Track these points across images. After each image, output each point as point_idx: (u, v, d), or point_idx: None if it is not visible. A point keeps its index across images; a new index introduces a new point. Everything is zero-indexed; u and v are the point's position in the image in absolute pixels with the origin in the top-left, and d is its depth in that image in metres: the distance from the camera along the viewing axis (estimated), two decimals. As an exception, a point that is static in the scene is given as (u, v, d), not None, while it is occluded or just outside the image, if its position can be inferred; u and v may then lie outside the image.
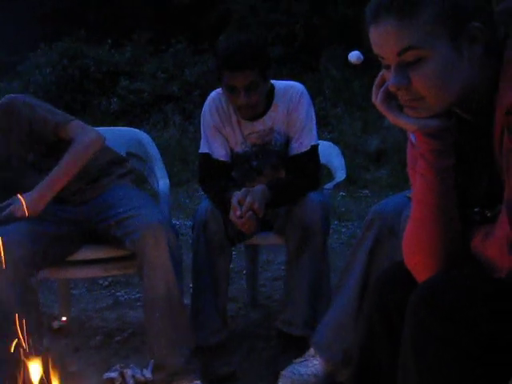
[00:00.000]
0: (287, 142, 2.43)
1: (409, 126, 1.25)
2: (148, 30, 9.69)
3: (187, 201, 5.58)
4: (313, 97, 2.52)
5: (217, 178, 2.41)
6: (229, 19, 9.39)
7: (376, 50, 1.22)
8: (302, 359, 2.14)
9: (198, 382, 2.11)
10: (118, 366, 2.25)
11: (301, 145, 2.40)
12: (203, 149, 2.45)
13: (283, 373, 2.13)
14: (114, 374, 2.21)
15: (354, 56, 1.46)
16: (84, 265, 2.34)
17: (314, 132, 2.43)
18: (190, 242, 2.46)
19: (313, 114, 2.44)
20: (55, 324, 2.78)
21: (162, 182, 2.63)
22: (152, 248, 2.07)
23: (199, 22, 9.68)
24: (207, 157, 2.44)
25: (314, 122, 2.44)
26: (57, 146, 2.29)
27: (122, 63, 9.12)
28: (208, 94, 2.50)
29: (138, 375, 2.21)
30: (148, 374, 2.21)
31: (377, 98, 1.28)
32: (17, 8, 10.80)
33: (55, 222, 2.24)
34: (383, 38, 1.19)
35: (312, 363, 2.11)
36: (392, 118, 1.26)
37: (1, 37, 10.44)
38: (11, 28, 10.99)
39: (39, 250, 2.12)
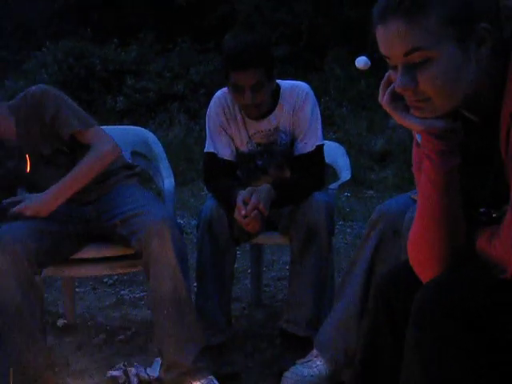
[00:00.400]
0: (292, 141, 2.43)
1: (415, 126, 1.25)
2: (152, 30, 9.70)
3: (192, 200, 5.58)
4: (318, 96, 2.52)
5: (222, 177, 2.41)
6: (233, 19, 9.40)
7: (383, 50, 1.22)
8: (305, 360, 2.14)
9: (211, 376, 2.10)
10: (121, 365, 2.25)
11: (306, 145, 2.40)
12: (208, 148, 2.46)
13: (286, 374, 2.12)
14: (117, 373, 2.21)
15: (362, 62, 1.46)
16: (89, 263, 2.34)
17: (319, 132, 2.43)
18: (195, 241, 2.46)
19: (318, 113, 2.44)
20: (60, 322, 2.78)
21: (167, 181, 2.63)
22: (157, 246, 2.06)
23: (203, 22, 9.69)
24: (212, 156, 2.44)
25: (320, 121, 2.43)
26: (73, 144, 2.31)
27: (128, 62, 9.13)
28: (213, 93, 2.51)
29: (142, 374, 2.21)
30: (152, 372, 2.21)
31: (383, 99, 1.28)
32: (22, 7, 10.83)
33: (61, 220, 2.25)
34: (390, 38, 1.19)
35: (315, 364, 2.11)
36: (398, 118, 1.26)
37: (6, 35, 10.47)
38: (17, 27, 11.02)
39: (44, 247, 2.12)
